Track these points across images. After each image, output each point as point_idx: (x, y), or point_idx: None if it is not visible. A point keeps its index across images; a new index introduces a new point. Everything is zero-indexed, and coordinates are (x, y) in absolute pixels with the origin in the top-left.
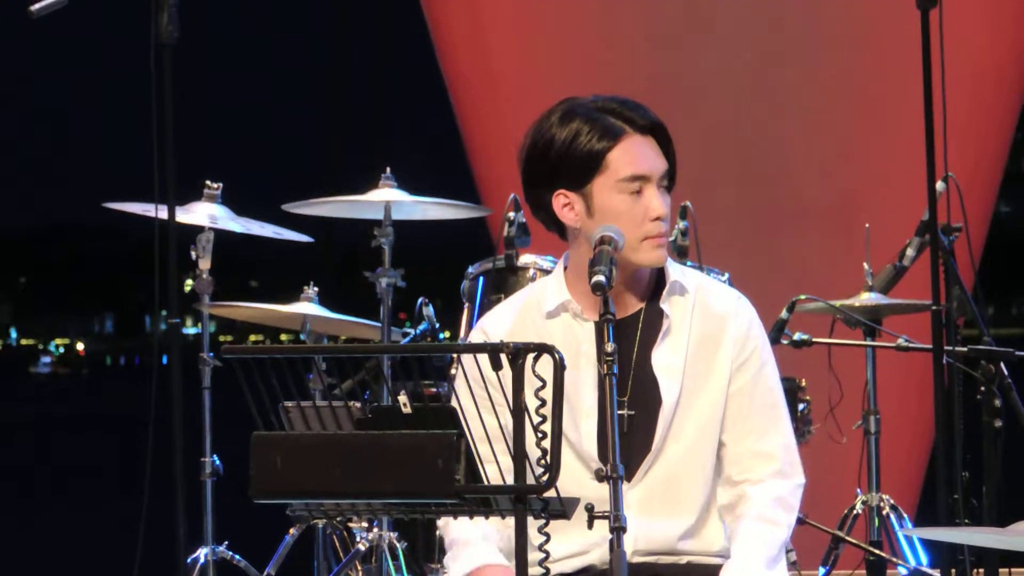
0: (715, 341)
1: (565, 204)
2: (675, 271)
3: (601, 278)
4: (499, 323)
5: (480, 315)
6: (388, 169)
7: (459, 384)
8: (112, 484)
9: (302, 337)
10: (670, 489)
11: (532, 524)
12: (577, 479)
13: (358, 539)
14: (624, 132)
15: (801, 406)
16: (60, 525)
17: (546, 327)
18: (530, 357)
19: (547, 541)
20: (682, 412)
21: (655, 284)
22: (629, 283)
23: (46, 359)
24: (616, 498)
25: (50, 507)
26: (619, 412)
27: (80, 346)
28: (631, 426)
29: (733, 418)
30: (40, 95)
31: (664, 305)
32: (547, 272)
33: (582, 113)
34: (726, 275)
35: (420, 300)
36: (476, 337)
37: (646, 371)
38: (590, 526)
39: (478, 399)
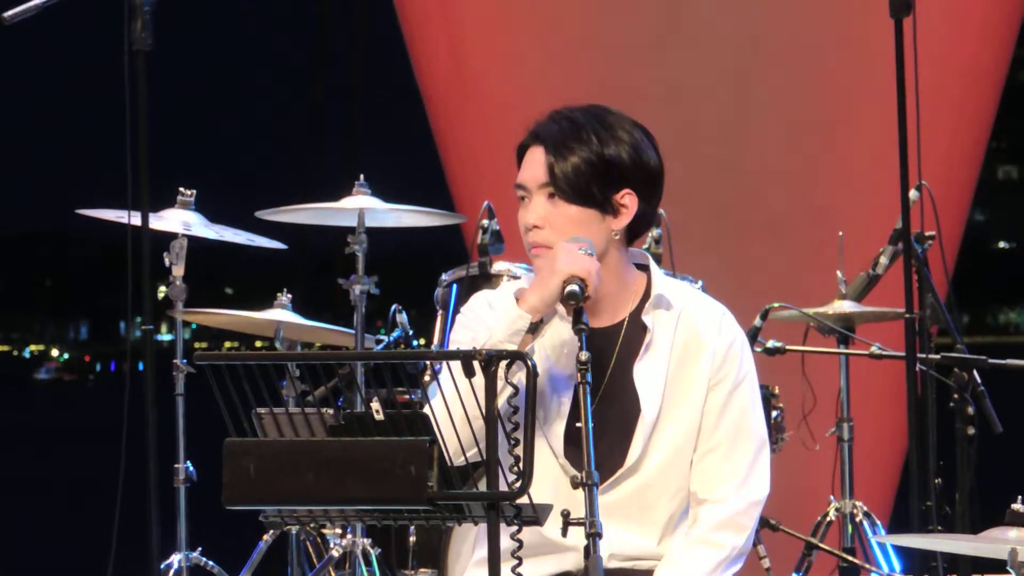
0: (695, 358)
1: None
2: (660, 284)
3: (575, 287)
4: (502, 301)
5: (453, 322)
6: (362, 176)
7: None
8: (85, 490)
9: (276, 344)
10: (640, 502)
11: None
12: (547, 471)
13: (331, 545)
14: (528, 144)
15: (774, 414)
16: (32, 530)
17: None
18: (503, 364)
19: (519, 548)
20: (660, 428)
21: (643, 296)
22: (612, 292)
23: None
24: (591, 504)
25: (23, 512)
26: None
27: (57, 351)
28: (596, 434)
29: (702, 435)
30: (29, 98)
31: (646, 319)
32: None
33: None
34: (699, 282)
35: (394, 307)
36: (480, 304)
37: (621, 383)
38: (564, 533)
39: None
